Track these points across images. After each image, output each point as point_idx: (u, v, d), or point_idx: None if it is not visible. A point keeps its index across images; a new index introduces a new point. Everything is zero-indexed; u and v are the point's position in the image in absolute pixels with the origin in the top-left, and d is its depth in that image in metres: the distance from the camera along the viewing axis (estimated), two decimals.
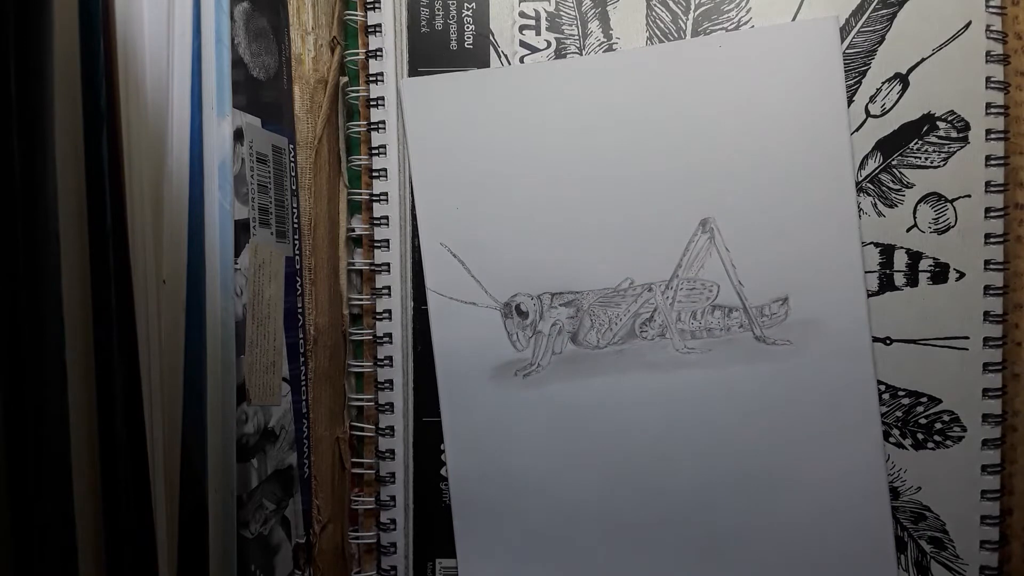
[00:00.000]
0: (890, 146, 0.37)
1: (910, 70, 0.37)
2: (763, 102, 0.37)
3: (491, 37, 0.38)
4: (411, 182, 0.39)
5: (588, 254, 0.38)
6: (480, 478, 0.38)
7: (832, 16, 0.36)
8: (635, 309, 0.37)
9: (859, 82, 0.37)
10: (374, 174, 0.39)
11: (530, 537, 0.38)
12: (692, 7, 0.37)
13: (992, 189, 0.36)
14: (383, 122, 0.39)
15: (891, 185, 0.37)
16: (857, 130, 0.37)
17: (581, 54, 0.38)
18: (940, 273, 0.37)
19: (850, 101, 0.37)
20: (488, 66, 0.38)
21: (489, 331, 0.38)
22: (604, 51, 0.38)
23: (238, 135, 0.33)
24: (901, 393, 0.37)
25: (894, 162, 0.37)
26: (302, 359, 0.38)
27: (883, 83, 0.37)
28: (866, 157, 0.37)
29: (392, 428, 0.39)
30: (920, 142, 0.37)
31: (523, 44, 0.38)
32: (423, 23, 0.38)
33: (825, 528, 0.37)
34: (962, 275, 0.36)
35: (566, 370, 0.38)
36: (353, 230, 0.40)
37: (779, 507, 0.37)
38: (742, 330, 0.37)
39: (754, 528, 0.37)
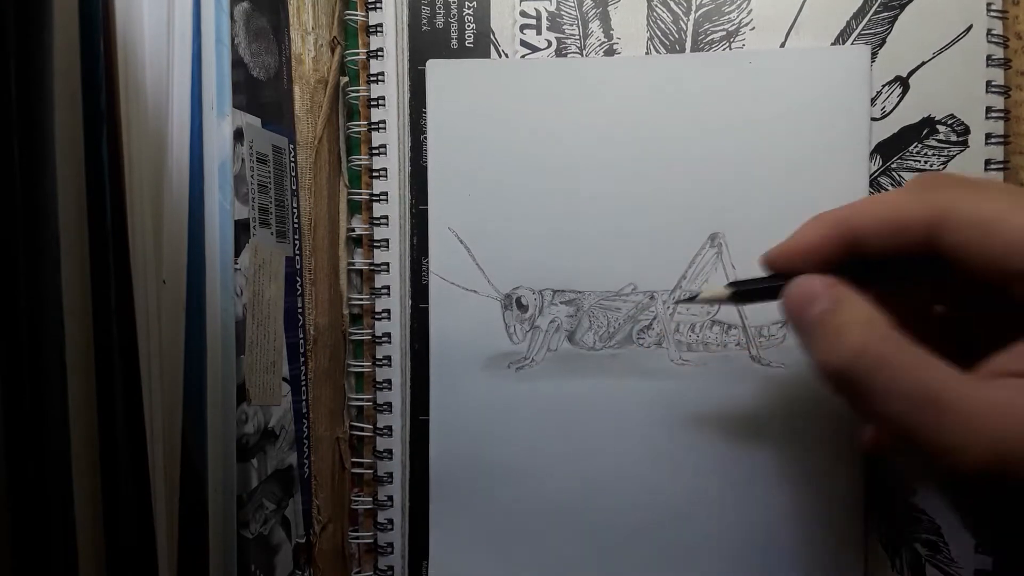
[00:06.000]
0: (890, 149, 0.37)
1: (910, 73, 0.37)
2: (785, 123, 0.36)
3: (492, 36, 0.38)
4: (411, 172, 0.39)
5: (594, 256, 0.37)
6: (462, 466, 0.38)
7: (865, 46, 0.36)
8: (635, 315, 0.37)
9: None
10: (374, 174, 0.39)
11: (503, 529, 0.38)
12: (693, 8, 0.37)
13: None
14: (383, 122, 0.39)
15: (890, 188, 0.37)
16: None
17: (582, 54, 0.38)
18: None
19: None
20: None
21: (487, 321, 0.38)
22: (614, 54, 0.38)
23: (238, 135, 0.33)
24: None
25: (894, 165, 0.37)
26: (302, 359, 0.38)
27: (883, 86, 0.37)
28: None
29: (390, 428, 0.39)
30: (920, 145, 0.37)
31: (524, 43, 0.38)
32: (424, 22, 0.38)
33: (802, 547, 0.37)
34: None
35: (559, 368, 0.38)
36: (353, 230, 0.40)
37: (759, 525, 0.37)
38: (739, 348, 0.37)
39: (731, 542, 0.37)
